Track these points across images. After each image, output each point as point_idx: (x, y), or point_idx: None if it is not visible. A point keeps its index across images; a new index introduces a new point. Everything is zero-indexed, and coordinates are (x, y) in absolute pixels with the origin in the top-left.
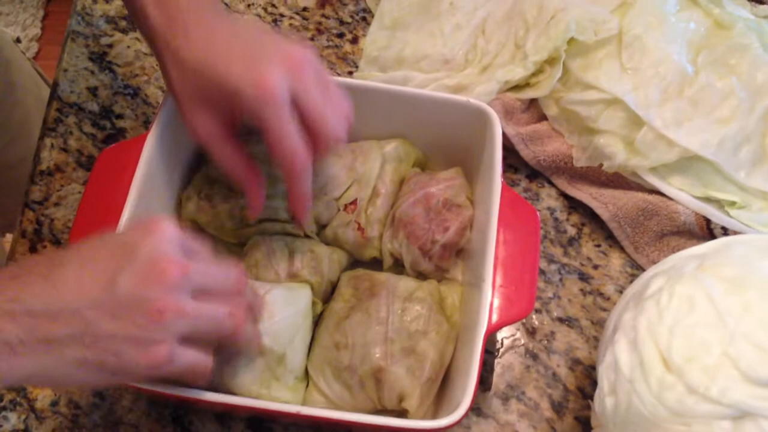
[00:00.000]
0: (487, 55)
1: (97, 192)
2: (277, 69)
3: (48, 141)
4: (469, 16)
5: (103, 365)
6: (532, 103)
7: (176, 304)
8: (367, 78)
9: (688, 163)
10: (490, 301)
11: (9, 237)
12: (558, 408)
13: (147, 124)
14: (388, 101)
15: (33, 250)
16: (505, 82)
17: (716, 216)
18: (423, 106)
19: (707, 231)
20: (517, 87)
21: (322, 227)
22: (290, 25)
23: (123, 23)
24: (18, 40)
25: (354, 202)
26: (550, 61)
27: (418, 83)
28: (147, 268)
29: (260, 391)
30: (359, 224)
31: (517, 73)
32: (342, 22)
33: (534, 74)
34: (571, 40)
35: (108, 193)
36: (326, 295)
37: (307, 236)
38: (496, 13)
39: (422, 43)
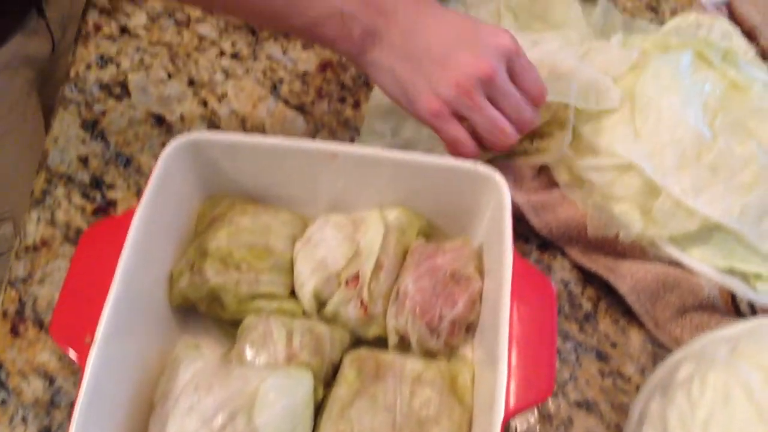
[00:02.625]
0: None
1: (82, 271)
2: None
3: (35, 214)
4: None
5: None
6: (542, 169)
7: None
8: (369, 144)
9: (709, 232)
10: (506, 384)
11: None
12: None
13: (139, 195)
14: (389, 168)
15: (14, 331)
16: None
17: (742, 290)
18: (426, 172)
19: (732, 306)
20: (526, 153)
21: (321, 305)
22: (290, 90)
23: (117, 89)
24: None
25: (356, 277)
26: (559, 125)
27: (424, 147)
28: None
29: None
30: (362, 301)
31: None
32: (344, 87)
33: (542, 138)
34: None
35: (94, 271)
36: (328, 377)
37: (305, 315)
38: None
39: None
